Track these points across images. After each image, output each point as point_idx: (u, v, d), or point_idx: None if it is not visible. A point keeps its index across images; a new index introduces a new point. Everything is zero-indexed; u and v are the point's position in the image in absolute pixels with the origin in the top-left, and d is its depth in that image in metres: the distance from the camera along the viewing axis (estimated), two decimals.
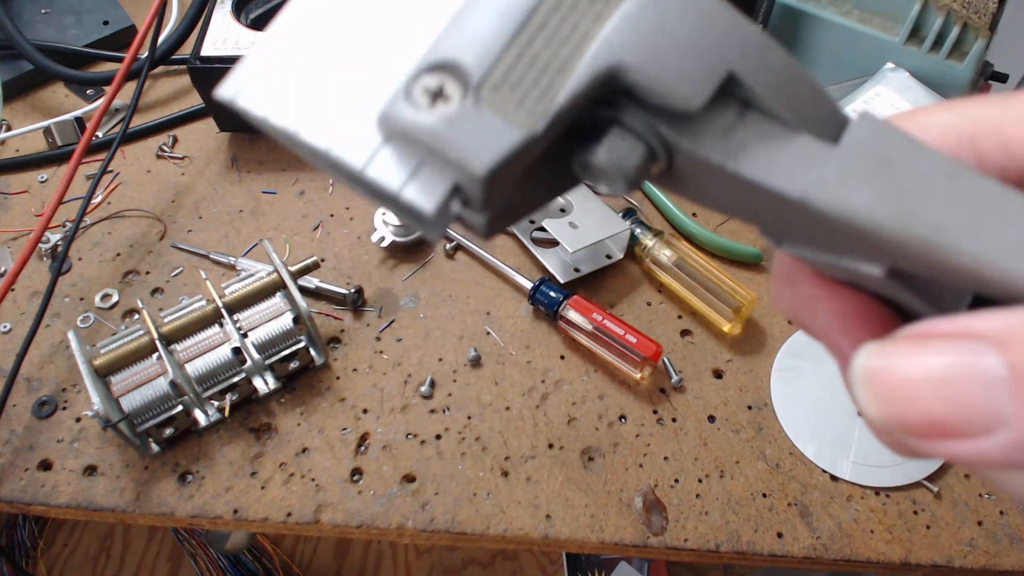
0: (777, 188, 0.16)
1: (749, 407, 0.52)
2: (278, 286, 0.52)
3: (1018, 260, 0.14)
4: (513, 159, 0.16)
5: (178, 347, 0.49)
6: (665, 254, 0.56)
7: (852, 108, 0.63)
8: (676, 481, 0.49)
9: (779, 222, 0.18)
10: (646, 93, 0.16)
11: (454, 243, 0.60)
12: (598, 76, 0.16)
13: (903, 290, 0.16)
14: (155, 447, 0.49)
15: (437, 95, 0.16)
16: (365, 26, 0.18)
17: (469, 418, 0.51)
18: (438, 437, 0.51)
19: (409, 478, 0.49)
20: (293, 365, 0.51)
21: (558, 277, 0.57)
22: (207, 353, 0.49)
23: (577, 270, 0.57)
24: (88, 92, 0.71)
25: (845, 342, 0.18)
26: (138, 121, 0.68)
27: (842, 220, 0.15)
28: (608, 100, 0.17)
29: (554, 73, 0.16)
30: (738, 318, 0.53)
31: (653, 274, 0.57)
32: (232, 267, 0.59)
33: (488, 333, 0.55)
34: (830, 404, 0.51)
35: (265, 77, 0.18)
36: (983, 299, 0.16)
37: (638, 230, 0.58)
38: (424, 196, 0.16)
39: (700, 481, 0.49)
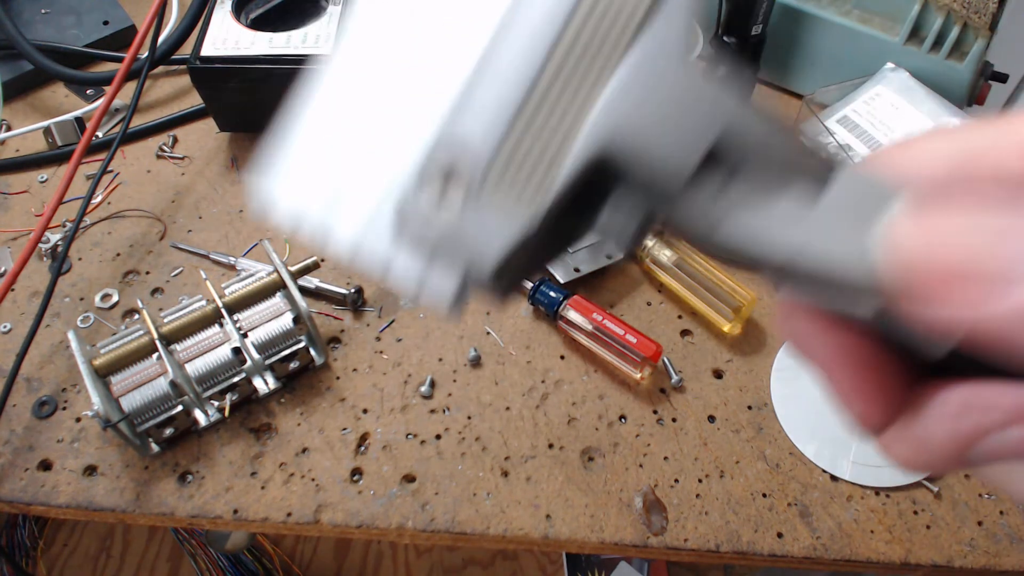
0: (759, 255, 0.17)
1: (749, 407, 0.52)
2: (278, 286, 0.52)
3: None
4: (515, 252, 0.17)
5: (178, 347, 0.49)
6: (665, 254, 0.56)
7: (852, 108, 0.63)
8: (676, 481, 0.49)
9: (772, 274, 0.18)
10: (630, 177, 0.17)
11: None
12: (585, 167, 0.17)
13: (893, 325, 0.17)
14: (155, 447, 0.49)
15: (441, 197, 0.17)
16: (371, 127, 0.19)
17: (469, 418, 0.51)
18: (438, 437, 0.51)
19: (409, 478, 0.49)
20: (293, 365, 0.51)
21: (558, 277, 0.57)
22: (207, 353, 0.49)
23: (577, 270, 0.57)
24: (88, 92, 0.71)
25: (838, 374, 0.19)
26: (138, 121, 0.68)
27: (822, 279, 0.16)
28: (600, 180, 0.18)
29: (546, 167, 0.17)
30: (738, 318, 0.53)
31: (653, 274, 0.57)
32: (232, 267, 0.59)
33: (488, 333, 0.55)
34: (830, 403, 0.51)
35: (290, 187, 0.19)
36: None
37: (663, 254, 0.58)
38: (438, 297, 0.18)
39: (700, 481, 0.49)
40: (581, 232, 0.19)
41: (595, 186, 0.18)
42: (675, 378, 0.53)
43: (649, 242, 0.57)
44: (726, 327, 0.54)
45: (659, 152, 0.17)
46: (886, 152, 0.19)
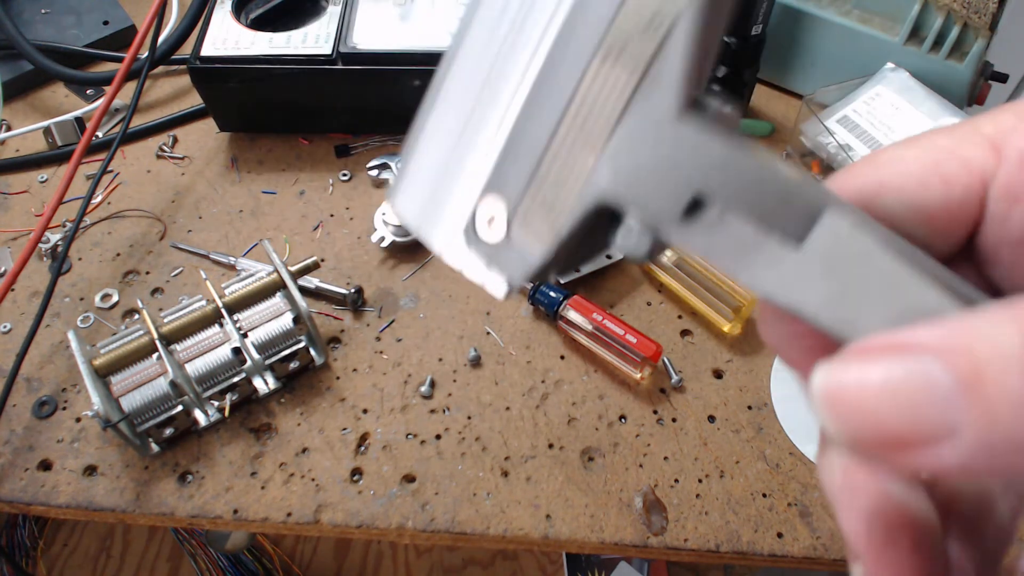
0: (745, 284, 0.19)
1: (749, 407, 0.52)
2: (278, 286, 0.52)
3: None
4: (536, 273, 0.22)
5: (178, 347, 0.49)
6: (665, 254, 0.56)
7: (852, 108, 0.63)
8: (676, 481, 0.49)
9: None
10: (629, 214, 0.20)
11: None
12: (588, 211, 0.21)
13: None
14: (155, 447, 0.49)
15: (492, 221, 0.23)
16: (454, 157, 0.24)
17: (469, 418, 0.51)
18: (438, 437, 0.51)
19: (409, 478, 0.49)
20: (293, 365, 0.51)
21: (558, 277, 0.57)
22: (207, 353, 0.49)
23: (577, 270, 0.57)
24: (88, 92, 0.71)
25: (796, 360, 0.20)
26: (138, 121, 0.68)
27: (799, 316, 0.18)
28: (609, 215, 0.21)
29: (559, 211, 0.22)
30: (738, 318, 0.53)
31: (653, 274, 0.57)
32: (232, 267, 0.59)
33: (488, 333, 0.55)
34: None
35: (405, 207, 0.25)
36: None
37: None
38: (496, 288, 0.24)
39: (700, 481, 0.49)
40: (602, 247, 0.23)
41: (605, 219, 0.21)
42: (675, 378, 0.53)
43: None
44: (726, 327, 0.54)
45: (650, 197, 0.20)
46: (857, 170, 0.21)
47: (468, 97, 0.24)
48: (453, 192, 0.24)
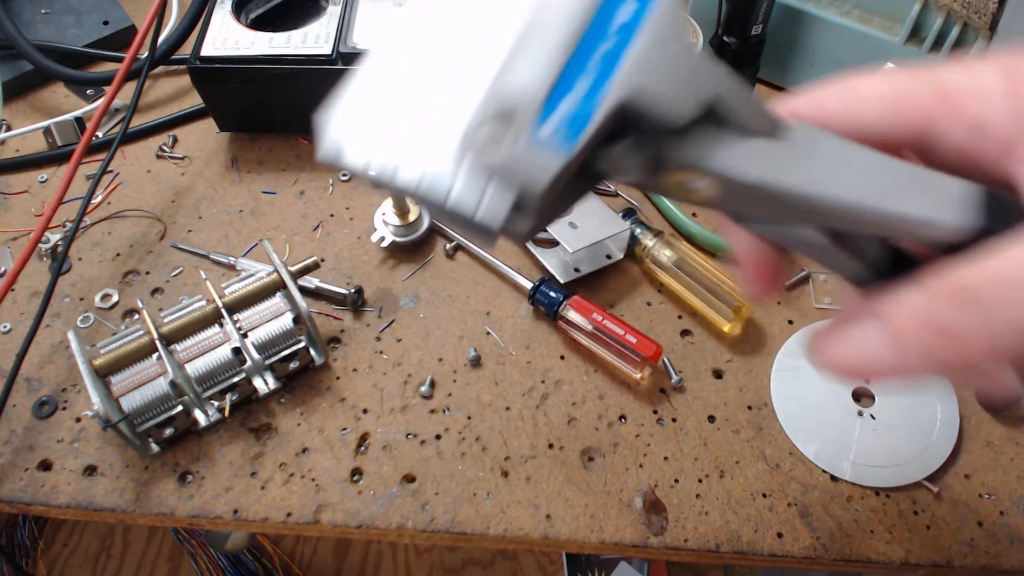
0: (738, 176, 0.23)
1: (749, 407, 0.52)
2: (278, 286, 0.52)
3: (909, 206, 0.22)
4: (560, 176, 0.22)
5: (178, 347, 0.49)
6: (665, 254, 0.56)
7: None
8: (676, 481, 0.49)
9: (741, 205, 0.25)
10: (649, 117, 0.23)
11: (454, 243, 0.60)
12: (614, 111, 0.22)
13: (837, 250, 0.24)
14: (155, 447, 0.49)
15: (499, 132, 0.22)
16: (431, 72, 0.24)
17: (469, 418, 0.51)
18: (438, 437, 0.51)
19: (409, 478, 0.49)
20: (293, 365, 0.51)
21: (558, 277, 0.57)
22: (207, 353, 0.49)
23: (577, 270, 0.57)
24: (88, 92, 0.71)
25: (747, 266, 0.28)
26: (138, 121, 0.68)
27: (784, 195, 0.23)
28: (620, 126, 0.23)
29: (580, 116, 0.22)
30: (738, 318, 0.53)
31: (653, 274, 0.57)
32: (232, 267, 0.59)
33: (488, 333, 0.55)
34: (830, 404, 0.51)
35: (355, 136, 0.24)
36: (893, 247, 0.25)
37: (638, 230, 0.58)
38: (491, 217, 0.22)
39: (700, 481, 0.49)
40: (602, 165, 0.25)
41: (616, 129, 0.23)
42: (675, 378, 0.53)
43: (649, 242, 0.57)
44: (726, 327, 0.54)
45: (669, 105, 0.23)
46: (832, 85, 0.26)
47: (428, 28, 0.24)
48: (431, 112, 0.23)
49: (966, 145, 0.24)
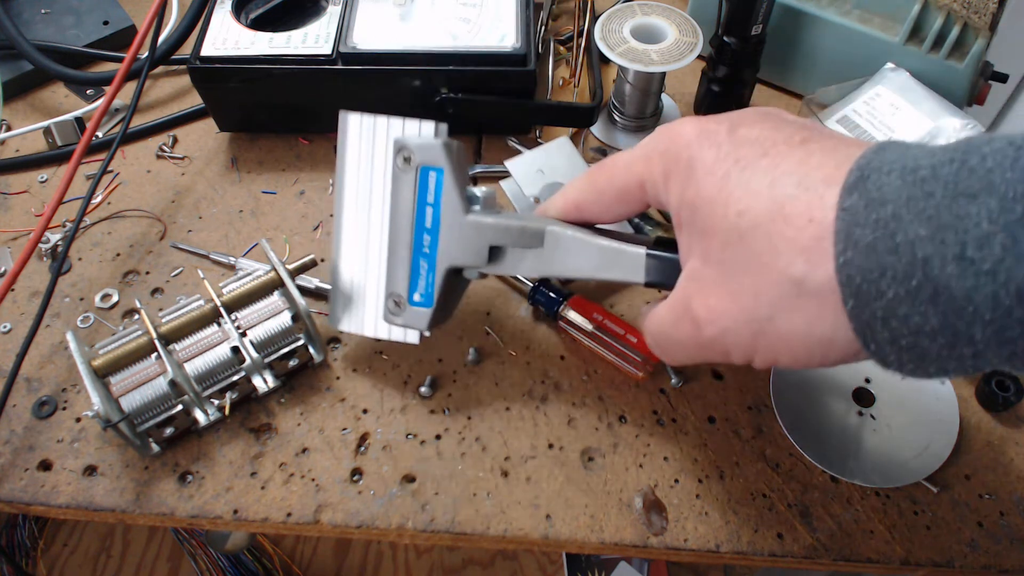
0: (524, 274, 0.48)
1: (749, 407, 0.52)
2: (276, 284, 0.52)
3: (614, 273, 0.40)
4: (432, 320, 0.45)
5: (177, 347, 0.49)
6: None
7: (852, 108, 0.63)
8: (676, 481, 0.49)
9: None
10: (462, 269, 0.44)
11: None
12: (445, 274, 0.44)
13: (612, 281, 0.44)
14: (155, 447, 0.49)
15: (397, 304, 0.46)
16: (364, 278, 0.48)
17: (469, 418, 0.51)
18: (438, 437, 0.51)
19: (409, 478, 0.49)
20: (292, 363, 0.51)
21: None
22: (206, 352, 0.49)
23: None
24: (88, 92, 0.71)
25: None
26: (138, 121, 0.68)
27: (552, 275, 0.42)
28: (455, 272, 0.45)
29: (430, 284, 0.45)
30: None
31: None
32: (232, 267, 0.59)
33: (488, 333, 0.55)
34: (830, 404, 0.51)
35: (342, 319, 0.50)
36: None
37: (647, 227, 0.57)
38: (411, 339, 0.49)
39: (700, 481, 0.49)
40: (462, 290, 0.48)
41: (455, 277, 0.45)
42: (675, 379, 0.53)
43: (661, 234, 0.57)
44: None
45: (470, 262, 0.43)
46: (569, 196, 0.41)
47: (355, 249, 0.48)
48: (368, 301, 0.48)
49: (664, 208, 0.36)
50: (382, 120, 0.45)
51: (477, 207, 0.43)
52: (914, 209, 0.25)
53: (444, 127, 0.44)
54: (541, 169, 0.58)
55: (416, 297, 0.45)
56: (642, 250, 0.38)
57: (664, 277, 0.38)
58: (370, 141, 0.46)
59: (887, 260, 0.25)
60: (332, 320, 0.50)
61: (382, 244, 0.46)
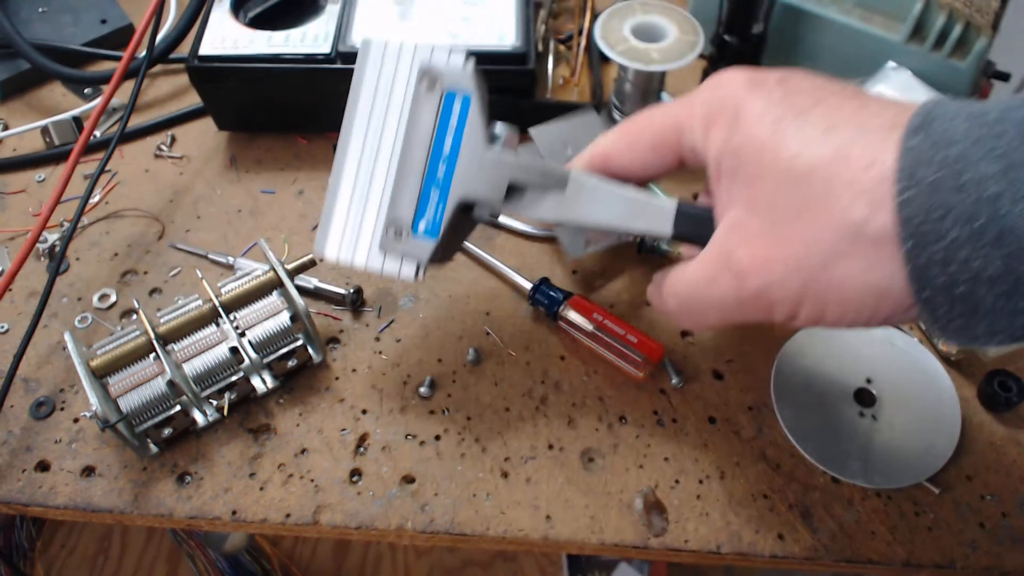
0: (545, 220, 0.44)
1: (749, 408, 0.52)
2: (274, 284, 0.52)
3: (638, 224, 0.38)
4: (434, 253, 0.42)
5: (175, 347, 0.49)
6: (675, 247, 0.56)
7: None
8: (676, 482, 0.48)
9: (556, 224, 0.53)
10: (475, 205, 0.42)
11: None
12: (455, 206, 0.41)
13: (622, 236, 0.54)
14: (153, 448, 0.49)
15: (398, 233, 0.43)
16: (361, 205, 0.44)
17: (469, 419, 0.51)
18: (437, 438, 0.50)
19: (408, 479, 0.49)
20: (291, 363, 0.51)
21: (567, 250, 0.55)
22: (204, 352, 0.49)
23: (587, 244, 0.55)
24: (86, 91, 0.71)
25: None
26: (136, 120, 0.68)
27: (569, 223, 0.40)
28: (466, 207, 0.42)
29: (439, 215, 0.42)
30: None
31: None
32: (230, 267, 0.58)
33: (488, 333, 0.55)
34: (831, 405, 0.51)
35: (330, 248, 0.45)
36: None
37: (665, 245, 0.57)
38: (408, 275, 0.43)
39: (701, 482, 0.48)
40: (468, 230, 0.47)
41: (464, 212, 0.42)
42: (675, 379, 0.52)
43: (675, 248, 0.57)
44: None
45: (486, 196, 0.41)
46: (599, 148, 0.40)
47: (359, 173, 0.44)
48: (364, 230, 0.44)
49: (697, 161, 0.35)
50: (408, 44, 0.43)
51: (497, 145, 0.41)
52: (983, 148, 0.24)
53: (472, 58, 0.41)
54: (566, 142, 0.56)
55: (421, 227, 0.42)
56: (673, 200, 0.37)
57: (695, 229, 0.36)
58: (392, 64, 0.43)
59: (951, 199, 0.25)
60: (319, 246, 0.45)
61: (389, 170, 0.43)
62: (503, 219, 0.60)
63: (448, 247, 0.43)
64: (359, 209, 0.44)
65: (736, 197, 0.32)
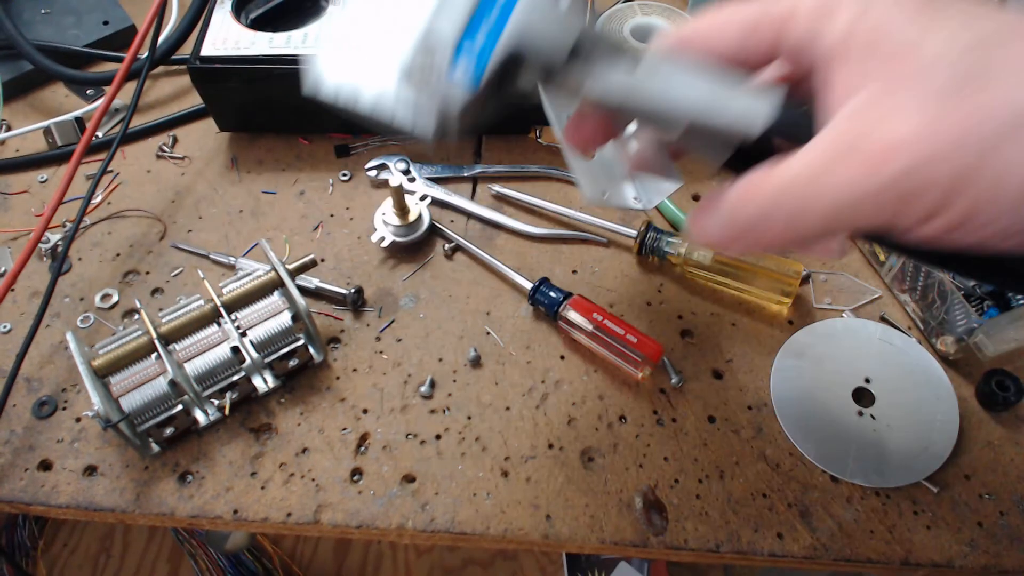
0: (598, 95, 0.32)
1: (749, 407, 0.52)
2: (276, 284, 0.52)
3: (718, 118, 0.30)
4: (465, 108, 0.32)
5: (177, 347, 0.49)
6: (702, 254, 0.55)
7: None
8: (676, 481, 0.49)
9: (612, 111, 0.35)
10: (531, 58, 0.32)
11: (453, 244, 0.59)
12: (505, 55, 0.31)
13: (690, 143, 0.33)
14: (155, 447, 0.49)
15: (430, 58, 0.31)
16: (381, 27, 0.32)
17: (469, 418, 0.51)
18: (438, 437, 0.51)
19: (409, 478, 0.49)
20: (292, 363, 0.51)
21: (584, 192, 0.53)
22: (206, 352, 0.49)
23: (603, 193, 0.53)
24: (88, 92, 0.71)
25: (575, 138, 0.37)
26: (138, 121, 0.68)
27: (629, 107, 0.33)
28: (511, 67, 0.32)
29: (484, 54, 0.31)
30: (790, 296, 0.54)
31: (693, 278, 0.57)
32: (232, 267, 0.59)
33: (488, 333, 0.55)
34: (830, 404, 0.51)
35: (331, 73, 0.33)
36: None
37: (666, 246, 0.57)
38: (424, 128, 0.32)
39: (700, 481, 0.49)
40: (494, 109, 0.34)
41: (508, 70, 0.32)
42: (675, 378, 0.53)
43: (683, 249, 0.56)
44: (777, 306, 0.55)
45: (547, 48, 0.32)
46: (681, 30, 0.33)
47: None
48: (381, 52, 0.32)
49: (801, 57, 0.30)
50: None
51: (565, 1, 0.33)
52: None
53: None
54: None
55: (460, 66, 0.31)
56: (765, 96, 0.30)
57: (794, 121, 0.30)
58: None
59: None
60: (316, 70, 0.33)
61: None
62: (504, 219, 0.60)
63: (474, 114, 0.33)
64: (385, 20, 0.32)
65: (872, 77, 0.27)
